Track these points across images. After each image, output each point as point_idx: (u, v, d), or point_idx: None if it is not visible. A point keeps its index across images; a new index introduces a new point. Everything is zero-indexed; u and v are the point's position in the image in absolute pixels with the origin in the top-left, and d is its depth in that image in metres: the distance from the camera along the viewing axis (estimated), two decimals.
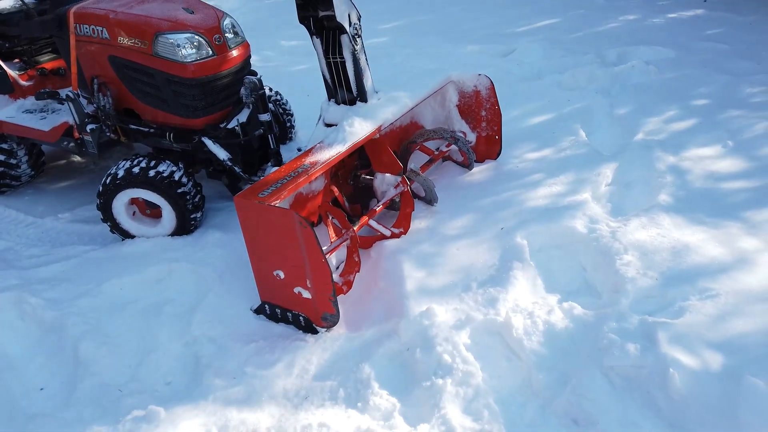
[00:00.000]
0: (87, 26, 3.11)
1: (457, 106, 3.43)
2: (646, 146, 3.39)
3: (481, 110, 3.37)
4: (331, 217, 2.72)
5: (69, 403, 2.26)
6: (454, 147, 3.33)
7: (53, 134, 3.47)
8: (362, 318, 2.47)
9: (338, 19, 2.60)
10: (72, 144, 3.48)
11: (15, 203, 3.91)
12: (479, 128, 3.42)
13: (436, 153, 3.30)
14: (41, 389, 2.37)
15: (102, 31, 3.07)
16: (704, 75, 4.34)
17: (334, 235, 2.68)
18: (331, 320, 2.39)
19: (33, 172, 4.03)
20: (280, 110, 4.02)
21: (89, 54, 3.20)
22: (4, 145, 3.78)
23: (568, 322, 2.24)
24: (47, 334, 2.62)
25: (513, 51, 5.35)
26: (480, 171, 3.38)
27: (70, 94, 3.23)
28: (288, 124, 4.10)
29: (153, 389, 2.30)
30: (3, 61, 3.76)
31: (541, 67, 4.95)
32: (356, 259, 2.65)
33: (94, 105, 3.28)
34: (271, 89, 3.98)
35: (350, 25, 2.68)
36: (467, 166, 3.37)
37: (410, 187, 2.90)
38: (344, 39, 2.71)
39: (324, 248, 2.31)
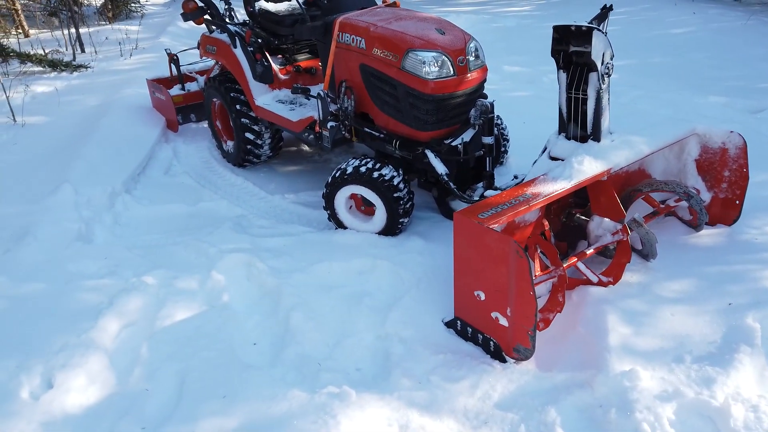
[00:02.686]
0: (348, 35, 3.47)
1: (696, 160, 3.16)
2: None
3: (725, 170, 3.06)
4: (539, 251, 2.69)
5: (275, 363, 2.54)
6: (683, 204, 3.07)
7: (299, 125, 3.93)
8: (555, 360, 2.40)
9: (593, 56, 2.56)
10: (311, 136, 3.90)
11: (253, 177, 4.50)
12: (717, 188, 3.11)
13: (662, 206, 3.07)
14: (254, 344, 2.69)
15: (361, 41, 3.40)
16: None
17: (539, 269, 2.65)
18: (524, 354, 2.36)
19: (271, 154, 4.61)
20: (499, 134, 4.08)
21: (344, 60, 3.56)
22: (256, 127, 4.38)
23: None
24: (266, 296, 2.97)
25: (765, 109, 4.76)
26: (709, 235, 3.07)
27: (321, 93, 3.63)
28: (503, 149, 4.14)
29: (346, 371, 2.48)
30: (270, 55, 4.36)
31: None
32: (560, 299, 2.58)
33: (338, 105, 3.64)
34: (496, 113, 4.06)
35: (602, 64, 2.63)
36: (695, 226, 3.08)
37: (629, 236, 2.74)
38: (592, 76, 2.67)
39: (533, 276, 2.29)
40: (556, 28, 2.67)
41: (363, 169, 3.36)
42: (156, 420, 2.22)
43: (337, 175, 3.45)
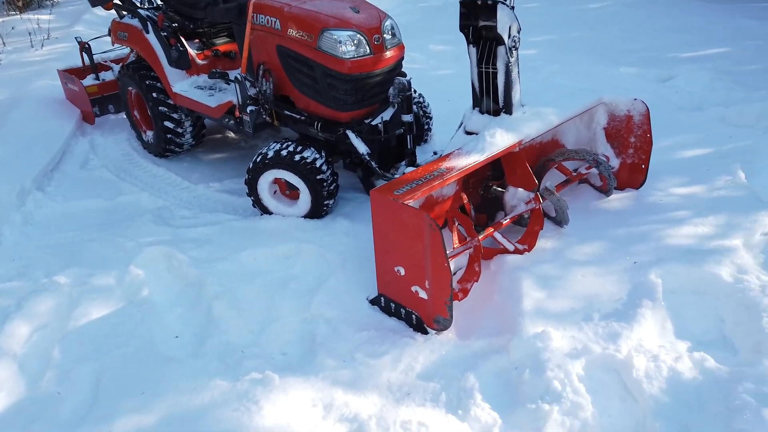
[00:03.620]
0: (263, 16, 3.40)
1: (604, 128, 3.29)
2: None
3: (631, 136, 3.21)
4: (457, 224, 2.74)
5: (198, 354, 2.50)
6: (594, 170, 3.20)
7: (218, 110, 3.83)
8: (473, 328, 2.47)
9: (499, 30, 2.61)
10: (231, 122, 3.82)
11: (175, 168, 4.38)
12: (625, 154, 3.26)
13: (574, 174, 3.20)
14: (176, 337, 2.64)
15: (275, 22, 3.33)
16: None
17: (457, 241, 2.70)
18: (443, 324, 2.41)
19: (194, 142, 4.48)
20: (421, 112, 4.11)
21: (260, 42, 3.49)
22: (175, 115, 4.24)
23: (697, 373, 2.08)
24: (188, 288, 2.91)
25: (673, 77, 5.00)
26: (618, 199, 3.22)
27: (238, 77, 3.55)
28: (426, 127, 4.18)
29: (270, 356, 2.47)
30: (185, 40, 4.21)
31: (703, 97, 4.58)
32: (477, 269, 2.65)
33: (257, 89, 3.57)
34: (415, 91, 4.08)
35: (509, 38, 2.68)
36: (605, 192, 3.22)
37: (542, 206, 2.84)
38: (500, 50, 2.72)
39: (447, 253, 2.34)
40: (463, 3, 2.70)
41: (284, 152, 3.32)
42: (69, 423, 2.15)
43: (258, 160, 3.40)
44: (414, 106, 3.99)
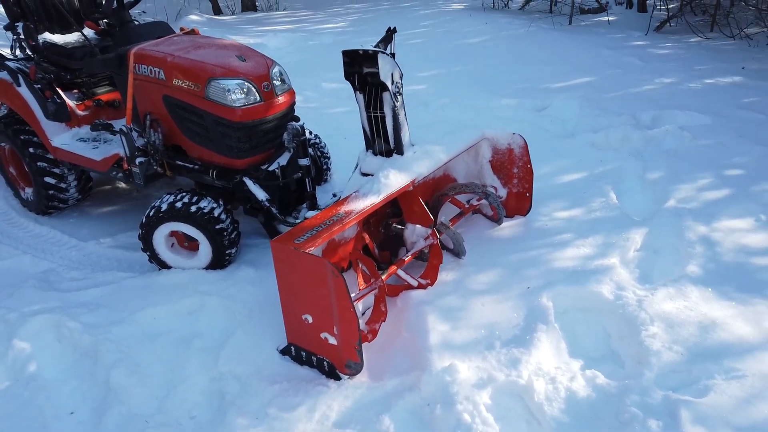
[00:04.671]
0: (145, 66, 3.31)
1: (489, 161, 3.52)
2: (676, 214, 3.40)
3: (513, 167, 3.45)
4: (361, 265, 2.80)
5: (97, 430, 2.34)
6: (484, 201, 3.40)
7: (104, 164, 3.66)
8: (385, 367, 2.52)
9: (381, 77, 2.73)
10: (120, 174, 3.66)
11: (60, 225, 4.10)
12: (510, 184, 3.49)
13: (467, 206, 3.37)
14: (71, 413, 2.45)
15: (159, 72, 3.26)
16: (739, 144, 4.35)
17: (363, 282, 2.75)
18: (354, 368, 2.44)
19: (80, 196, 4.23)
20: (318, 153, 4.16)
21: (145, 92, 3.39)
22: (56, 170, 3.99)
23: (590, 390, 2.25)
24: (82, 358, 2.73)
25: (548, 107, 5.44)
26: (509, 226, 3.43)
27: (124, 128, 3.42)
28: (324, 167, 4.23)
29: (178, 422, 2.36)
30: (63, 91, 4.00)
31: (575, 125, 5.03)
32: (383, 309, 2.71)
33: (145, 139, 3.45)
34: (311, 132, 4.14)
35: (392, 84, 2.81)
36: (497, 220, 3.43)
37: (440, 240, 2.97)
38: (386, 96, 2.84)
39: (352, 295, 2.38)
40: (345, 53, 2.80)
41: (179, 204, 3.23)
42: None
43: (151, 214, 3.27)
44: (310, 148, 4.03)
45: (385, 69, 2.73)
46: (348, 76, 2.86)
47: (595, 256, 3.05)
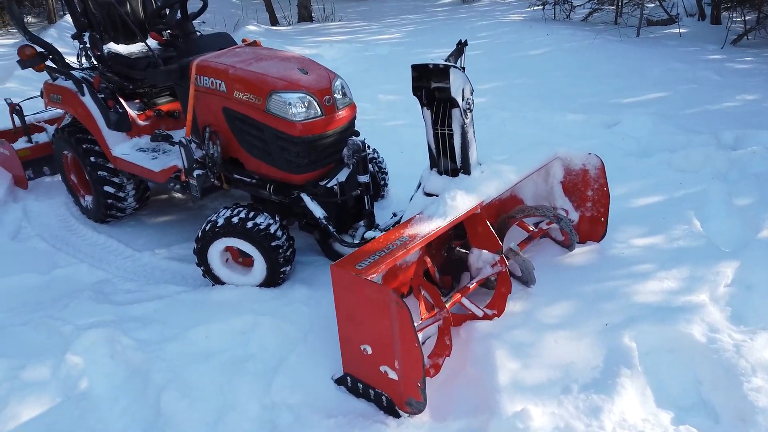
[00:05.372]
0: (207, 78, 3.26)
1: (561, 182, 3.28)
2: None
3: (588, 190, 3.20)
4: (423, 292, 2.62)
5: None
6: (555, 225, 3.16)
7: (162, 175, 3.63)
8: (448, 406, 2.32)
9: (452, 93, 2.56)
10: (177, 185, 3.62)
11: (117, 234, 4.11)
12: (583, 207, 3.24)
13: (535, 230, 3.15)
14: None
15: (220, 84, 3.20)
16: None
17: (425, 310, 2.57)
18: (416, 407, 2.26)
19: (137, 206, 4.24)
20: (376, 168, 4.03)
21: (205, 104, 3.34)
22: (116, 179, 4.00)
23: None
24: (133, 376, 2.65)
25: (618, 123, 5.13)
26: (582, 253, 3.18)
27: (183, 140, 3.37)
28: (382, 183, 4.09)
29: None
30: (125, 101, 4.01)
31: (648, 143, 4.70)
32: (447, 342, 2.52)
33: (203, 151, 3.40)
34: (369, 147, 4.00)
35: (463, 100, 2.64)
36: (568, 246, 3.19)
37: (507, 267, 2.76)
38: (455, 112, 2.67)
39: (415, 325, 2.20)
40: (414, 67, 2.65)
41: (235, 219, 3.14)
42: None
43: (207, 228, 3.20)
44: (369, 165, 3.90)
45: (456, 84, 2.56)
46: (416, 90, 2.70)
47: (681, 290, 2.76)
